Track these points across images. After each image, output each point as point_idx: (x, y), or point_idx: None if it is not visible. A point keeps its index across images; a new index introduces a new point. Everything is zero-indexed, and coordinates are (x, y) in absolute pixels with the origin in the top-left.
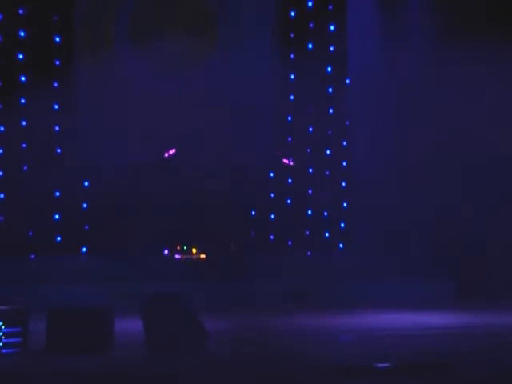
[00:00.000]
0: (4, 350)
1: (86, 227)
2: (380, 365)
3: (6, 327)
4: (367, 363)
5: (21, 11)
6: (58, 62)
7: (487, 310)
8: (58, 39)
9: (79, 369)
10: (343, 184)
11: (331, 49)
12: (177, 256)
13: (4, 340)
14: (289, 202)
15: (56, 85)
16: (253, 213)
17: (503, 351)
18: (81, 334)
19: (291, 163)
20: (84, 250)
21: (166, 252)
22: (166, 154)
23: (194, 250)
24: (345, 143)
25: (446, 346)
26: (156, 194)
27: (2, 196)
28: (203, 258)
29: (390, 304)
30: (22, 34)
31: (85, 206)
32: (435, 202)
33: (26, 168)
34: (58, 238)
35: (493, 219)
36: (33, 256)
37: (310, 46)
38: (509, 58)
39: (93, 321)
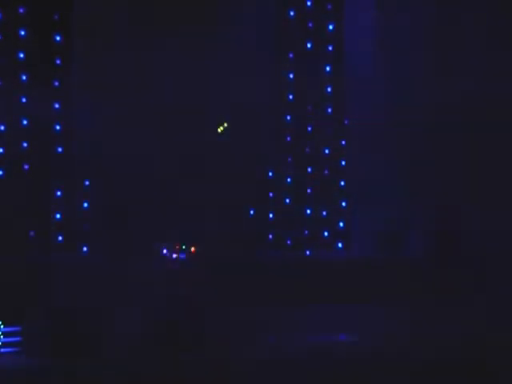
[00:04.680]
0: (3, 350)
1: (87, 227)
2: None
3: (4, 326)
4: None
5: (21, 10)
6: (58, 61)
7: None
8: (58, 38)
9: (78, 369)
10: (342, 183)
11: (330, 48)
12: (174, 255)
13: (3, 339)
14: (287, 201)
15: (57, 84)
16: (251, 212)
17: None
18: (80, 333)
19: None
20: (85, 249)
21: (164, 251)
22: None
23: (193, 249)
24: (343, 142)
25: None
26: (156, 194)
27: (3, 195)
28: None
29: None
30: (23, 33)
31: (86, 205)
32: (436, 201)
33: (26, 167)
34: (59, 238)
35: (494, 220)
36: (34, 255)
37: (309, 45)
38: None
39: (93, 320)
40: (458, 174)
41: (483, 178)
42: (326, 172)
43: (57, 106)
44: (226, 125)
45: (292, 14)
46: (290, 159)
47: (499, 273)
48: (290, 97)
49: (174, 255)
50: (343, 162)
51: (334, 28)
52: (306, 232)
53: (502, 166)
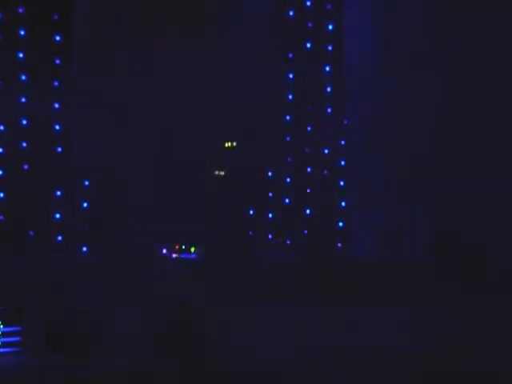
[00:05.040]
0: (2, 350)
1: (87, 227)
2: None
3: (4, 326)
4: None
5: (21, 10)
6: (58, 61)
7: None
8: (58, 38)
9: (77, 368)
10: (341, 183)
11: (329, 48)
12: (173, 255)
13: (2, 339)
14: (287, 201)
15: (56, 84)
16: (251, 212)
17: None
18: (79, 333)
19: None
20: (84, 249)
21: (164, 251)
22: None
23: (192, 249)
24: (343, 142)
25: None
26: (154, 194)
27: (3, 195)
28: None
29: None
30: (22, 32)
31: (85, 205)
32: (433, 201)
33: (26, 167)
34: (59, 238)
35: (494, 219)
36: (33, 255)
37: (309, 45)
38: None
39: (91, 320)
40: (458, 173)
41: (483, 177)
42: (326, 172)
43: (56, 105)
44: (234, 144)
45: (291, 14)
46: (289, 159)
47: (499, 272)
48: (290, 97)
49: (174, 255)
50: (343, 162)
51: (333, 28)
52: (306, 232)
53: (504, 163)
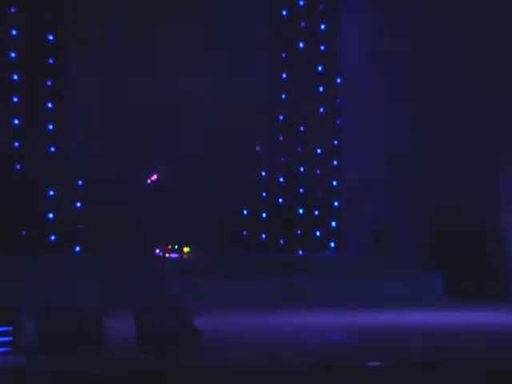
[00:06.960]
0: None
1: (80, 226)
2: (372, 363)
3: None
4: (360, 362)
5: (13, 9)
6: (51, 61)
7: (478, 307)
8: (51, 37)
9: (70, 368)
10: (334, 183)
11: (322, 48)
12: (171, 255)
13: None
14: (280, 200)
15: (49, 83)
16: (244, 212)
17: (494, 349)
18: (72, 333)
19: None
20: (77, 249)
21: (157, 251)
22: (149, 181)
23: (185, 249)
24: (336, 142)
25: (439, 344)
26: (149, 193)
27: None
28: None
29: (381, 302)
30: (15, 32)
31: (78, 205)
32: (428, 201)
33: (19, 167)
34: (52, 237)
35: (488, 219)
36: (26, 255)
37: (302, 44)
38: (500, 48)
39: (84, 320)
40: (456, 172)
41: (479, 180)
42: (318, 172)
43: (49, 105)
44: None
45: (285, 13)
46: (282, 159)
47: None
48: (283, 96)
49: (167, 255)
50: (335, 162)
51: (326, 27)
52: (299, 232)
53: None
